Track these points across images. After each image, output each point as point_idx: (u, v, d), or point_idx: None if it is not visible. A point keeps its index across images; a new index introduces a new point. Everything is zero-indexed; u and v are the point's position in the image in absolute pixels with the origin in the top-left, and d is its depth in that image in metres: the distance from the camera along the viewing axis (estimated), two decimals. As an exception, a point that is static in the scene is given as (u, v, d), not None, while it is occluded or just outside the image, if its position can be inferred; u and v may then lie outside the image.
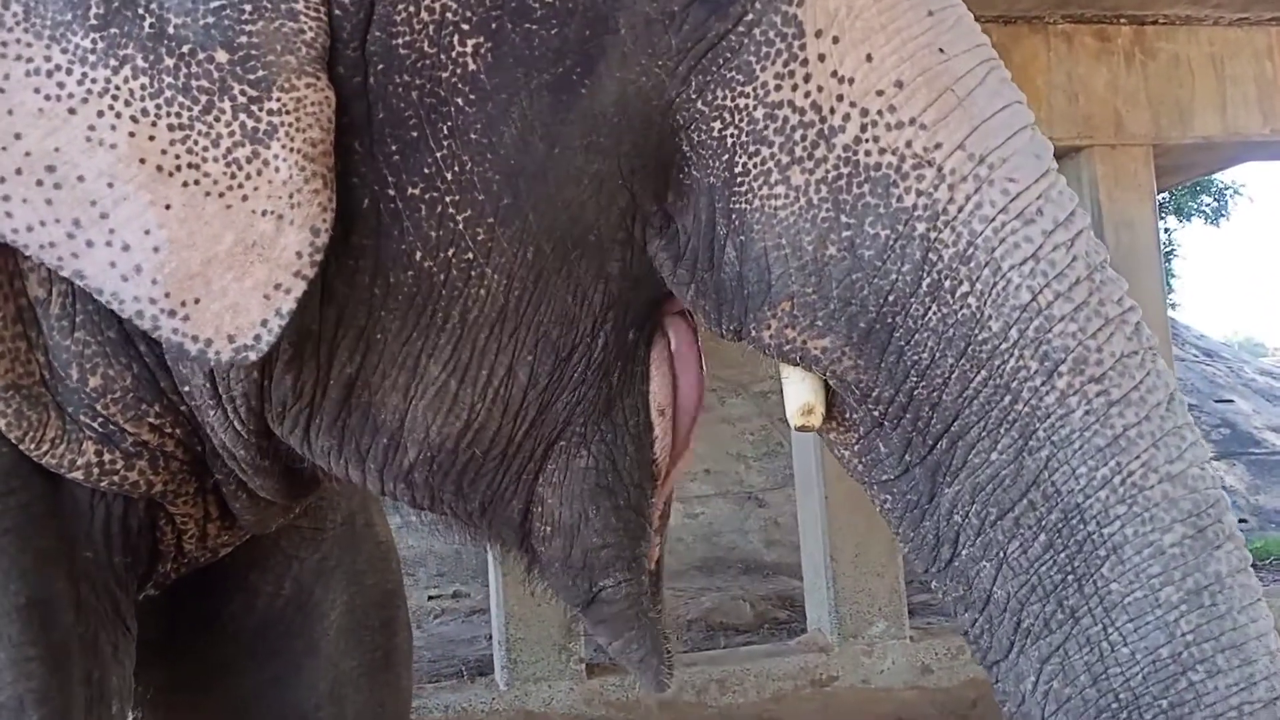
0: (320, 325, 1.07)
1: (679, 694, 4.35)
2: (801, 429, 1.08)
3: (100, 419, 1.14)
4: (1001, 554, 0.99)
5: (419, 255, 1.03)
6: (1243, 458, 9.54)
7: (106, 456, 1.16)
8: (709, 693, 4.37)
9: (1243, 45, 5.12)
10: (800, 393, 1.06)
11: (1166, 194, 13.90)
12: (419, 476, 1.14)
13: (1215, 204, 15.65)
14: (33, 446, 1.13)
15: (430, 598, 6.47)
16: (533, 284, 1.05)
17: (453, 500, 1.17)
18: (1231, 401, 10.62)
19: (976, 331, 0.98)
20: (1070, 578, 0.97)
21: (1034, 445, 0.97)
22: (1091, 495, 0.96)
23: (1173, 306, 16.17)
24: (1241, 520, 8.67)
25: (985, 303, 0.98)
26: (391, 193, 1.02)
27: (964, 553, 1.02)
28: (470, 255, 1.03)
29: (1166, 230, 16.27)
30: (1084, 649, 0.97)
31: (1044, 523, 0.98)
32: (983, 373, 0.98)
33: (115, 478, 1.17)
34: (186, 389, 1.14)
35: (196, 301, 0.97)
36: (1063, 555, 0.97)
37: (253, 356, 0.98)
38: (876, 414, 1.03)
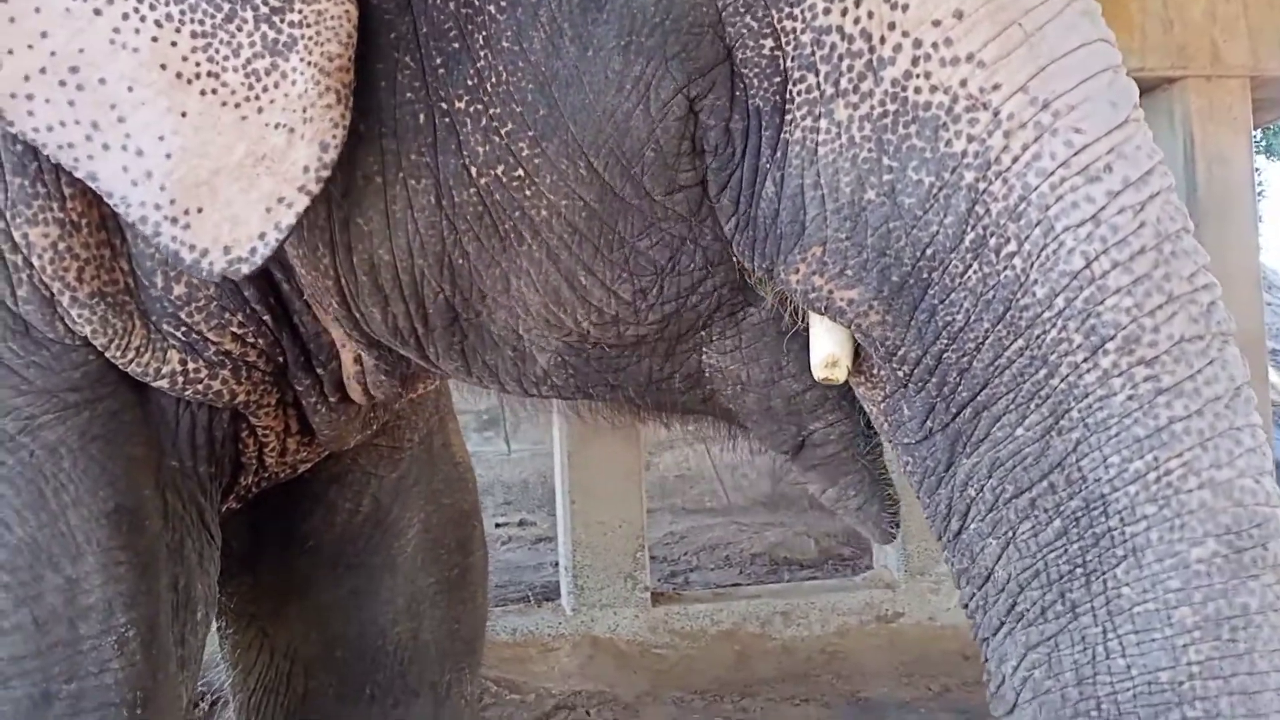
0: (394, 255, 1.06)
1: (742, 625, 4.38)
2: (824, 381, 1.01)
3: (184, 327, 1.16)
4: (1010, 534, 0.93)
5: (475, 171, 1.00)
6: (1329, 406, 9.24)
7: (190, 365, 1.18)
8: (773, 625, 4.38)
9: (1354, -31, 4.85)
10: (825, 343, 1.00)
11: (1258, 132, 13.39)
12: (559, 379, 1.12)
13: None
14: (118, 354, 1.14)
15: (497, 525, 6.57)
16: (597, 202, 0.99)
17: (604, 389, 1.14)
18: (1319, 348, 10.25)
19: (1019, 296, 0.90)
20: (1079, 571, 0.90)
21: (1065, 425, 0.89)
22: (1120, 489, 0.88)
23: (1260, 249, 15.69)
24: (1324, 470, 8.43)
25: (1032, 265, 0.89)
26: (444, 106, 1.00)
27: (972, 527, 0.95)
28: (520, 172, 0.99)
29: (1256, 169, 15.71)
30: (1076, 647, 0.90)
31: (1062, 509, 0.90)
32: (1019, 341, 0.91)
33: (199, 386, 1.18)
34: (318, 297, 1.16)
35: (200, 211, 0.96)
36: (1075, 546, 0.90)
37: (245, 270, 0.97)
38: (901, 374, 0.97)
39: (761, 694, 4.03)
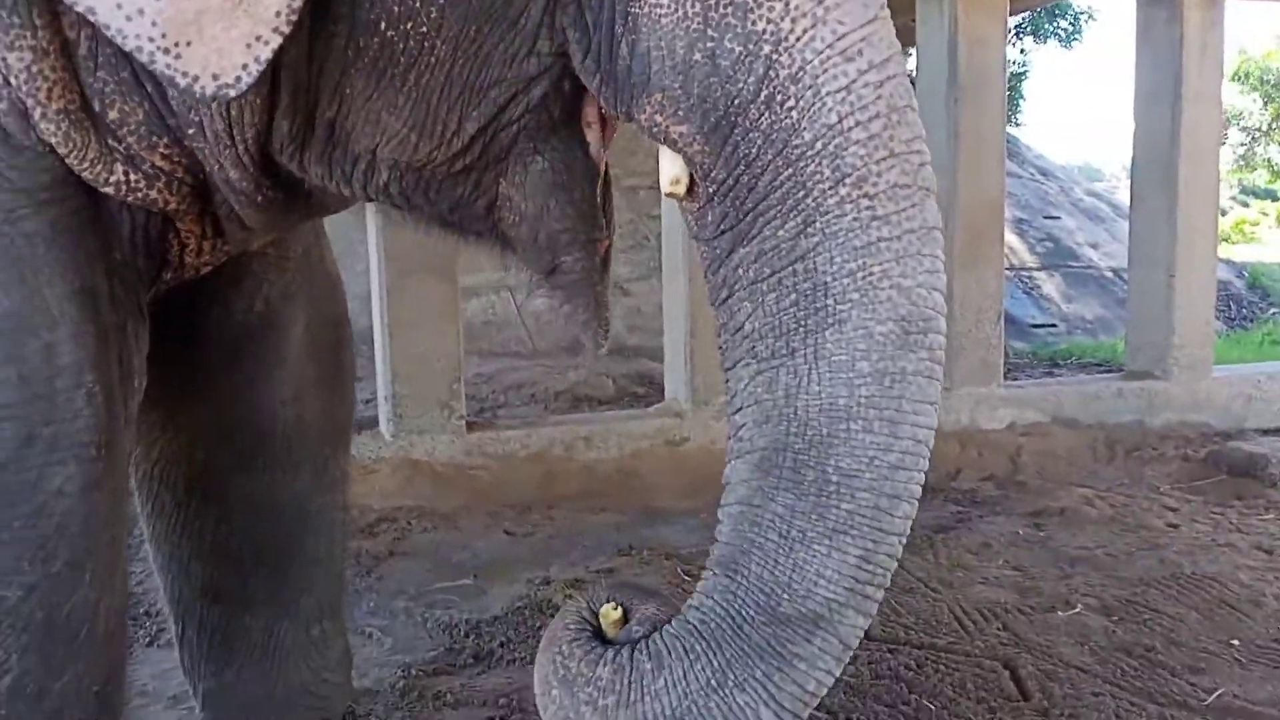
0: (308, 79, 1.31)
1: (549, 448, 4.78)
2: (670, 195, 1.33)
3: (124, 144, 1.37)
4: (760, 299, 1.24)
5: (384, 25, 1.26)
6: (1061, 269, 10.38)
7: (132, 176, 1.39)
8: (576, 449, 4.82)
9: (1102, -124, 5.42)
10: (671, 168, 1.31)
11: (1025, 14, 14.29)
12: (394, 189, 1.41)
13: (1070, 27, 16.12)
14: (76, 163, 1.35)
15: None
16: (474, 55, 1.29)
17: (425, 204, 1.44)
18: (1059, 219, 11.40)
19: (792, 138, 1.20)
20: (801, 329, 1.22)
21: (810, 231, 1.20)
22: (838, 279, 1.20)
23: (1018, 125, 16.88)
24: (1052, 325, 9.58)
25: (803, 117, 1.19)
26: None
27: (736, 294, 1.25)
28: (424, 29, 1.26)
29: (1022, 51, 16.77)
30: (790, 374, 1.22)
31: (799, 287, 1.21)
32: (789, 170, 1.20)
33: (139, 194, 1.41)
34: (196, 131, 1.37)
35: (189, 44, 1.18)
36: (803, 313, 1.21)
37: (231, 93, 1.21)
38: (710, 190, 1.26)
39: (565, 506, 4.48)
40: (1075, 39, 16.29)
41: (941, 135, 5.38)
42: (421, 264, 4.57)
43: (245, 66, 1.20)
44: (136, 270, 1.49)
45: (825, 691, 1.23)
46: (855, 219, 1.20)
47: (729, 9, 1.21)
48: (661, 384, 5.49)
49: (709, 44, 1.21)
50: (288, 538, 1.98)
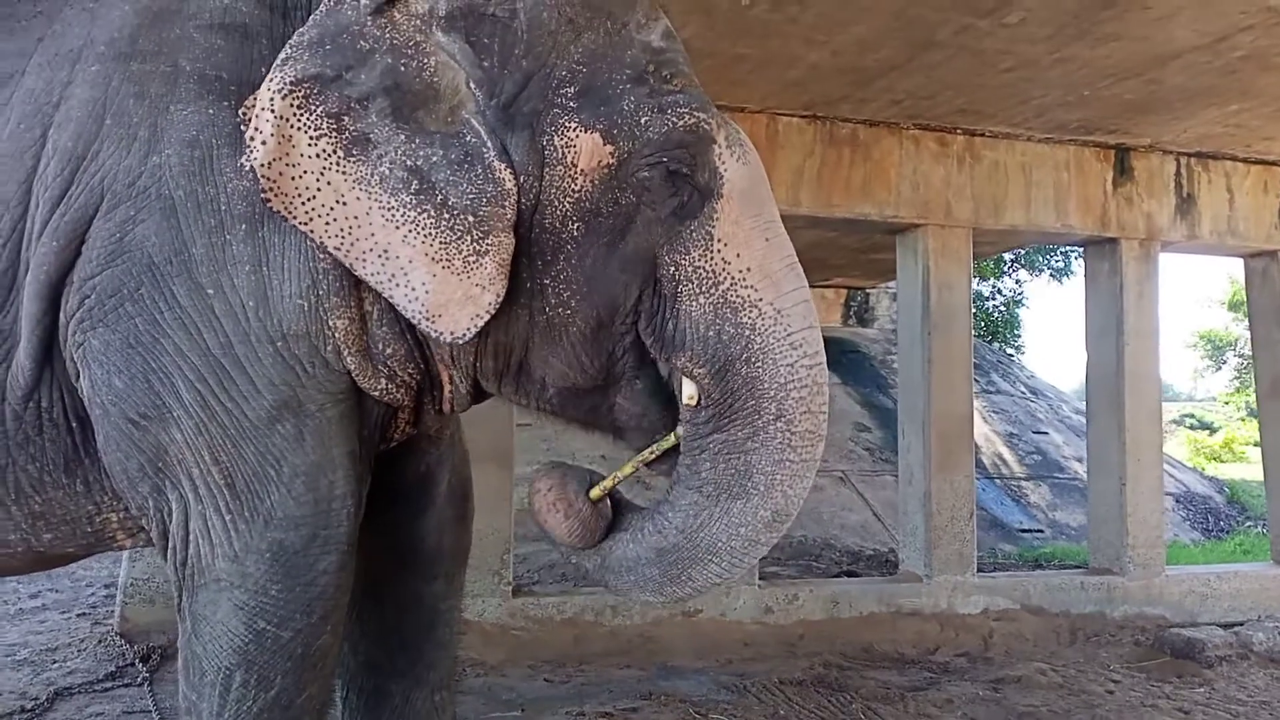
0: (504, 338, 2.22)
1: (581, 614, 5.51)
2: (687, 404, 2.17)
3: (388, 368, 2.32)
4: (719, 462, 2.01)
5: (548, 310, 2.17)
6: (1048, 480, 11.13)
7: (389, 385, 2.30)
8: (604, 615, 5.54)
9: (1046, 158, 6.55)
10: (689, 389, 2.04)
11: (1021, 250, 15.56)
12: (555, 402, 2.30)
13: (1061, 263, 17.12)
14: (359, 378, 2.29)
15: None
16: (595, 326, 2.18)
17: (572, 410, 2.31)
18: (1046, 434, 12.25)
19: (758, 385, 1.99)
20: (729, 491, 2.00)
21: (755, 439, 1.99)
22: (761, 472, 1.98)
23: (1016, 349, 17.99)
24: (1039, 531, 10.29)
25: (766, 373, 1.99)
26: (537, 281, 2.16)
27: (703, 456, 2.02)
28: (569, 312, 2.16)
29: (1018, 282, 18.03)
30: (708, 512, 2.01)
31: (739, 466, 2.00)
32: (754, 401, 1.99)
33: (390, 395, 2.35)
34: (436, 359, 2.30)
35: (440, 316, 2.08)
36: (735, 482, 2.00)
37: (461, 341, 2.11)
38: (709, 401, 2.02)
39: (595, 662, 5.21)
40: (1066, 275, 17.51)
41: (918, 361, 6.41)
42: (484, 454, 5.49)
43: (469, 328, 2.11)
44: (373, 441, 2.41)
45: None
46: (780, 442, 2.00)
47: (727, 310, 2.09)
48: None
49: (715, 327, 2.04)
50: (425, 627, 2.83)
